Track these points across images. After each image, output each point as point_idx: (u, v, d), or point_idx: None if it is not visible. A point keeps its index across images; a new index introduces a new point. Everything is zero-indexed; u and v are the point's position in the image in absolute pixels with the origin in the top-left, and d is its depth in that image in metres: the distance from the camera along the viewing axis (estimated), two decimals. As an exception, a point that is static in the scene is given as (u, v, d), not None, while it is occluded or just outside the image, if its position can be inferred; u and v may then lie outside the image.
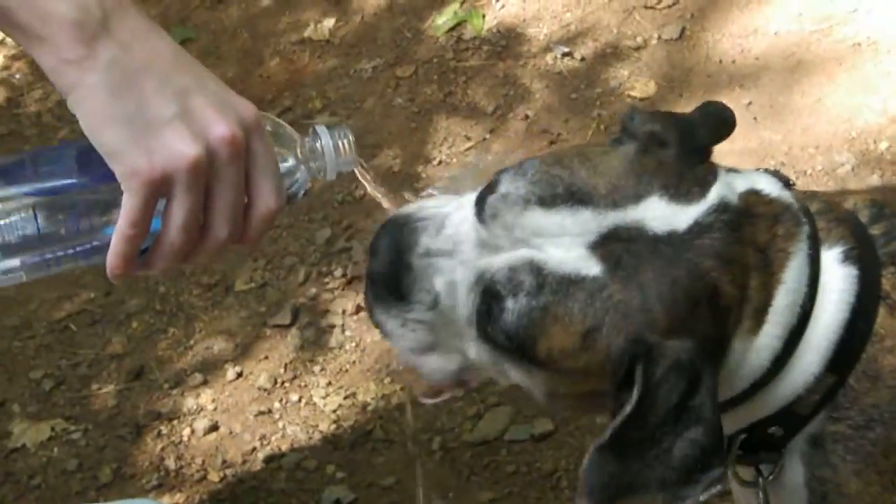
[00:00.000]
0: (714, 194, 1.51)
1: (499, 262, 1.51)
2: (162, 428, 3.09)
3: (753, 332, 1.50)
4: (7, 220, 1.36)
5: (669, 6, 3.83)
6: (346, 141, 1.51)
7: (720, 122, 1.64)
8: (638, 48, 3.76)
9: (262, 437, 3.03)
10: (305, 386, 3.11)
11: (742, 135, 3.42)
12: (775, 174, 1.62)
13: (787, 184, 1.61)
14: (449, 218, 1.59)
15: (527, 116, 3.66)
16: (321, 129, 1.51)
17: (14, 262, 1.39)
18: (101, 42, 1.30)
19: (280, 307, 3.30)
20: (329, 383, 3.10)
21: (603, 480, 1.46)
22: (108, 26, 1.31)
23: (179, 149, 1.32)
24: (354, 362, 3.13)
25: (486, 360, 1.58)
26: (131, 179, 1.32)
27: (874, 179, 3.26)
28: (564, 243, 1.48)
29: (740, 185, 1.55)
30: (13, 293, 3.44)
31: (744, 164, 3.30)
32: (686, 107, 3.53)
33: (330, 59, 3.98)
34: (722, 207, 1.50)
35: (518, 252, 1.50)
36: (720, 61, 3.65)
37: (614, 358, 1.46)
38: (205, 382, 3.18)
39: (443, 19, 3.96)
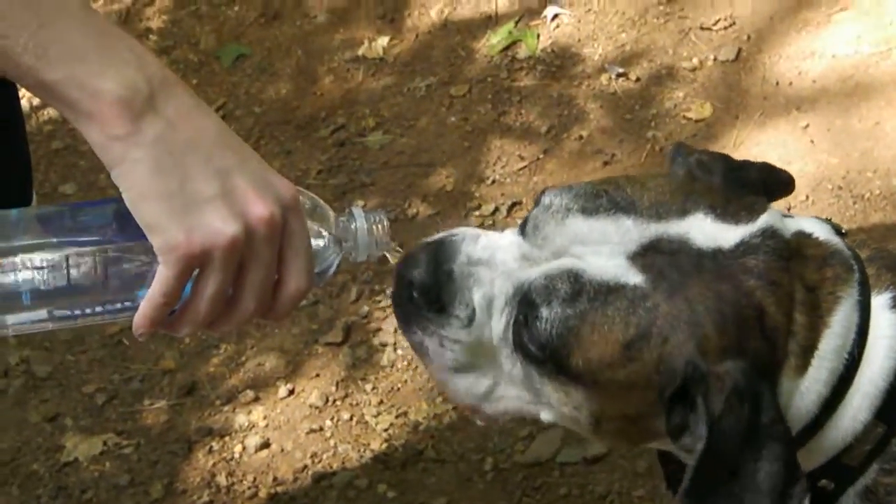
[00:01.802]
0: (763, 220, 1.50)
1: (537, 272, 1.51)
2: (213, 444, 3.10)
3: (799, 374, 1.48)
4: (41, 268, 1.38)
5: (726, 27, 3.82)
6: (381, 225, 1.52)
7: (775, 176, 1.64)
8: (693, 69, 3.74)
9: (314, 455, 3.03)
10: (357, 404, 3.11)
11: (799, 158, 3.40)
12: (827, 222, 1.60)
13: (838, 232, 1.59)
14: (485, 235, 1.60)
15: (581, 137, 3.65)
16: (357, 212, 1.52)
17: (41, 311, 1.39)
18: (148, 119, 1.32)
19: (332, 325, 3.30)
20: (381, 402, 3.09)
21: None
22: (154, 104, 1.33)
23: (218, 227, 1.34)
24: (406, 381, 3.12)
25: (521, 378, 1.56)
26: (169, 253, 1.34)
27: (933, 204, 3.23)
28: (604, 252, 1.47)
29: (791, 225, 1.54)
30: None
31: (800, 188, 3.29)
32: (742, 129, 3.52)
33: (384, 77, 3.98)
34: (770, 233, 1.49)
35: (557, 262, 1.50)
36: (777, 83, 3.63)
37: (664, 372, 1.44)
38: (256, 399, 3.18)
39: (497, 38, 3.96)
